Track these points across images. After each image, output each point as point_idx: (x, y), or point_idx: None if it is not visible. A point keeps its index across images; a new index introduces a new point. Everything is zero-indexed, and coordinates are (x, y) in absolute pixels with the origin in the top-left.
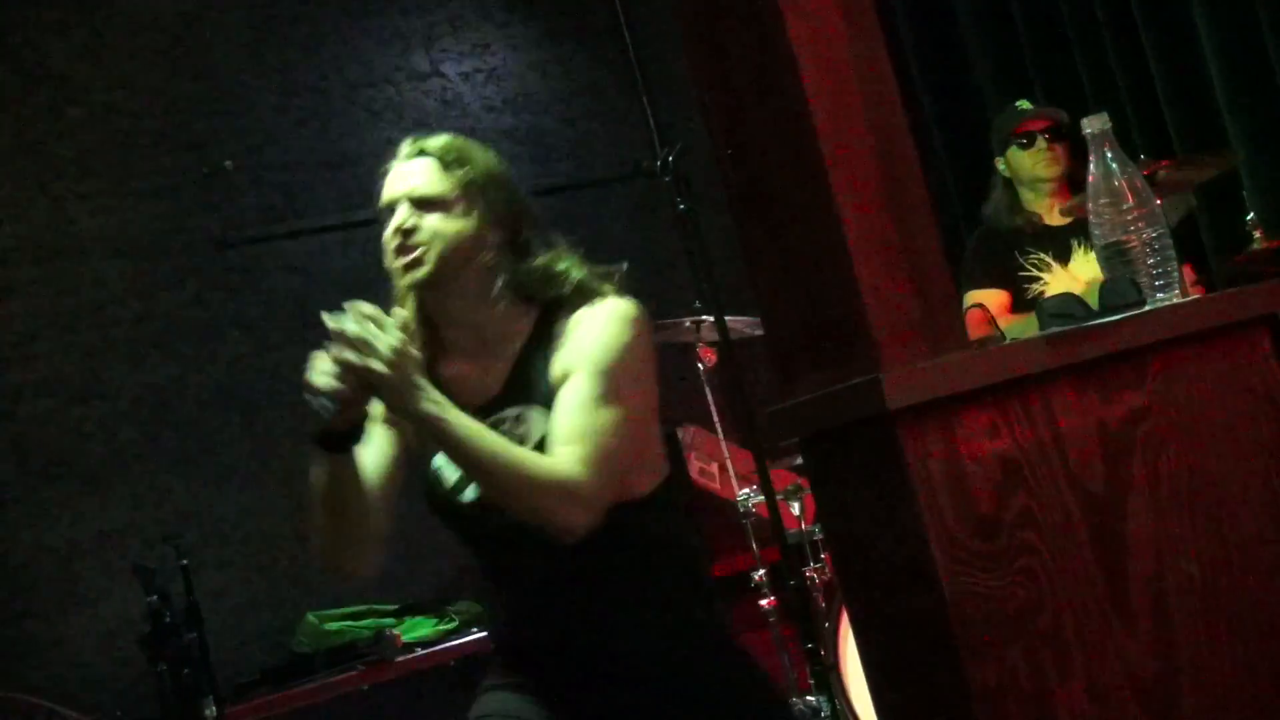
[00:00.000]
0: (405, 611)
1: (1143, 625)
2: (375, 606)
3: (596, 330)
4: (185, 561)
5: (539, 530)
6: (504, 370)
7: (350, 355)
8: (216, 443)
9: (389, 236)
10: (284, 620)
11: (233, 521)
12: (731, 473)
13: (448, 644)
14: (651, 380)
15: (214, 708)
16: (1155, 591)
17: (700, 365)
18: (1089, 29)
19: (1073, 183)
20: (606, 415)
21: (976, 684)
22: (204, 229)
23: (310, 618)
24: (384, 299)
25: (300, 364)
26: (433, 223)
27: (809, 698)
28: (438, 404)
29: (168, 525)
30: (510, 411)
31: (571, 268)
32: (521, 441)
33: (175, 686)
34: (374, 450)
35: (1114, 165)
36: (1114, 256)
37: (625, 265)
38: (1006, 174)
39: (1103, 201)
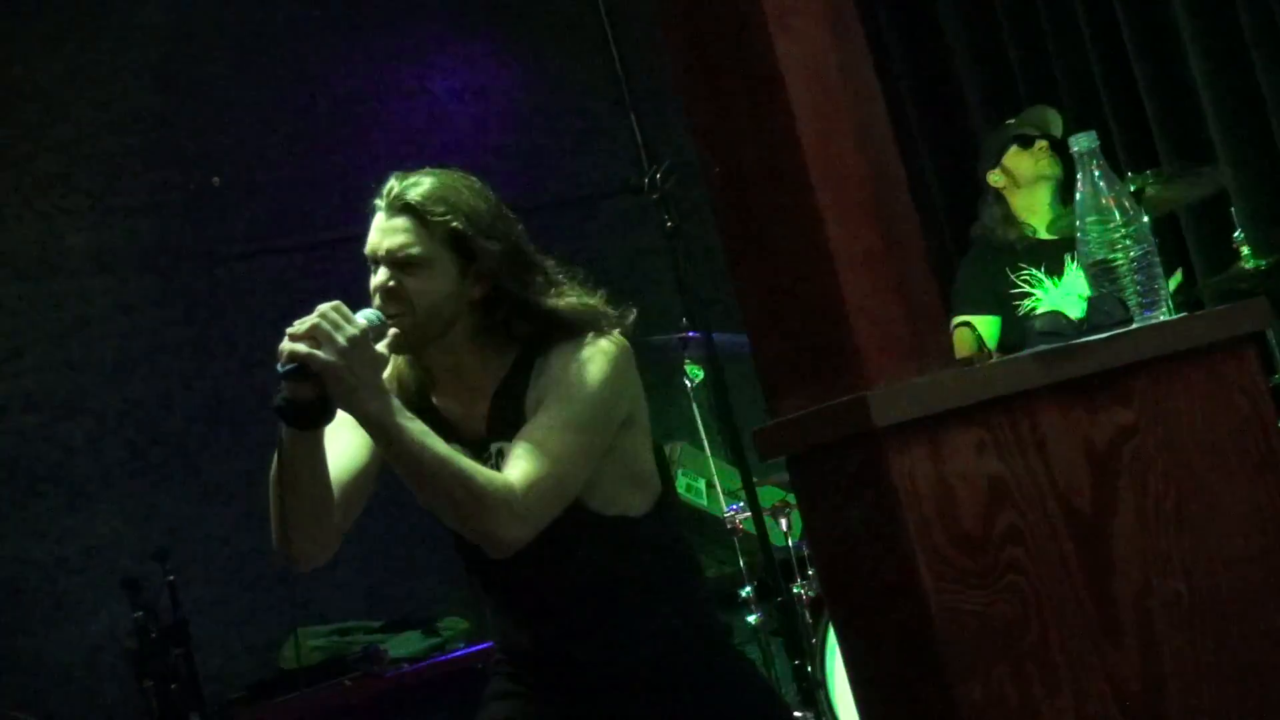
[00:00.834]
0: (392, 627)
1: (1130, 643)
2: (362, 622)
3: (573, 365)
4: (172, 577)
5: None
6: (486, 408)
7: (300, 346)
8: (203, 459)
9: (373, 292)
10: (271, 636)
11: (220, 537)
12: (719, 489)
13: (435, 660)
14: (620, 413)
15: None
16: (1142, 609)
17: (687, 382)
18: (1076, 47)
19: (1066, 195)
20: (563, 440)
21: (963, 701)
22: (191, 245)
23: (298, 633)
24: None
25: None
26: (413, 285)
27: (796, 713)
28: (385, 406)
29: (154, 541)
30: (492, 448)
31: (567, 305)
32: None
33: (162, 702)
34: (346, 449)
35: (1101, 183)
36: (1101, 274)
37: (633, 309)
38: (1001, 184)
39: (1090, 219)
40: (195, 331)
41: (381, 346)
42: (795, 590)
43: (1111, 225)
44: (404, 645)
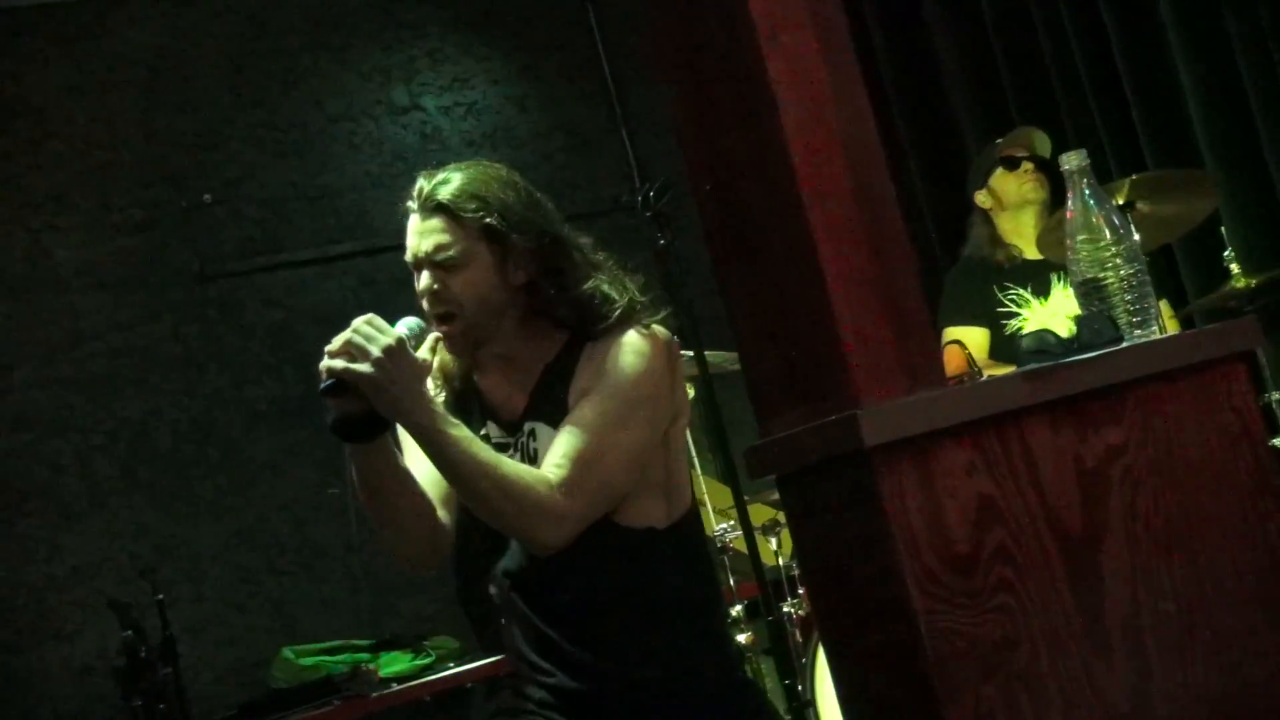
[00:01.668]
0: (382, 646)
1: (1119, 662)
2: (351, 641)
3: (617, 358)
4: (161, 596)
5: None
6: (527, 390)
7: (337, 361)
8: (193, 477)
9: (420, 296)
10: (260, 655)
11: (209, 556)
12: (709, 507)
13: (424, 679)
14: (667, 410)
15: None
16: (1132, 628)
17: None
18: (1068, 63)
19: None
20: (605, 440)
21: None
22: (182, 262)
23: (286, 653)
24: None
25: (279, 397)
26: (458, 284)
27: None
28: (428, 413)
29: (144, 559)
30: (526, 427)
31: (610, 294)
32: (534, 456)
33: None
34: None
35: (1092, 201)
36: (1091, 293)
37: (664, 298)
38: (987, 205)
39: (1080, 238)
40: (185, 349)
41: (423, 352)
42: (786, 609)
43: (1102, 244)
44: (393, 664)
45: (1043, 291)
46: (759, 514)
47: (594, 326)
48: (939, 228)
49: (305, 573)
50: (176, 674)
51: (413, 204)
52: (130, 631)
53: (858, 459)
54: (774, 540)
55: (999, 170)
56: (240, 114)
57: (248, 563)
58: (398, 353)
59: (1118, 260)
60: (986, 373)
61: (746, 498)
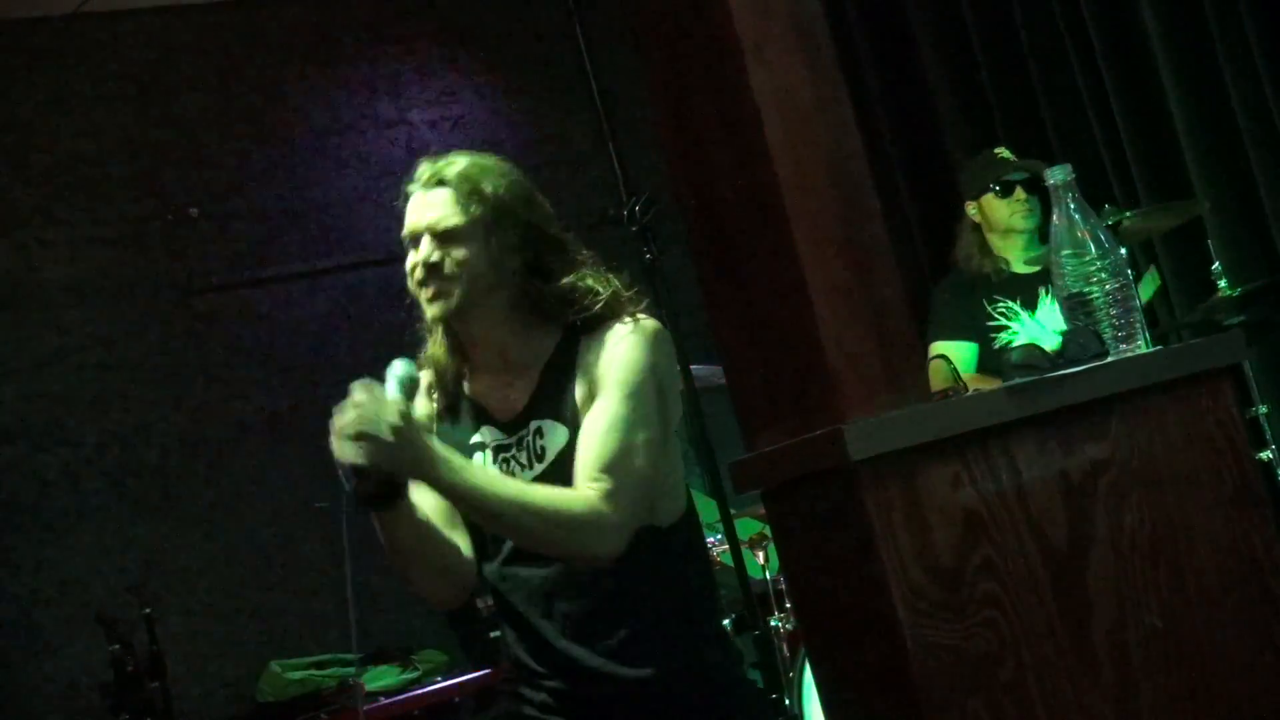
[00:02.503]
0: (369, 660)
1: (1105, 675)
2: (339, 655)
3: (622, 351)
4: (149, 610)
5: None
6: (528, 387)
7: (350, 457)
8: (181, 491)
9: (413, 267)
10: (248, 669)
11: (196, 570)
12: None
13: (411, 693)
14: (676, 401)
15: None
16: (1117, 642)
17: None
18: (1054, 74)
19: (1044, 235)
20: (632, 439)
21: None
22: (169, 276)
23: (274, 667)
24: (350, 348)
25: (266, 411)
26: (456, 255)
27: None
28: (450, 468)
29: (131, 574)
30: (532, 425)
31: (594, 287)
32: (541, 454)
33: None
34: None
35: (1077, 216)
36: (1077, 307)
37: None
38: (977, 218)
39: (1065, 252)
40: (173, 363)
41: (419, 400)
42: (773, 623)
43: (1087, 259)
44: (381, 678)
45: (1031, 304)
46: (746, 528)
47: (581, 316)
48: (925, 242)
49: (293, 586)
50: (164, 688)
51: (415, 185)
52: (118, 646)
53: (843, 474)
54: (761, 554)
55: (991, 193)
56: (227, 128)
57: (235, 577)
58: (406, 429)
59: (1103, 275)
60: (973, 387)
61: (733, 511)
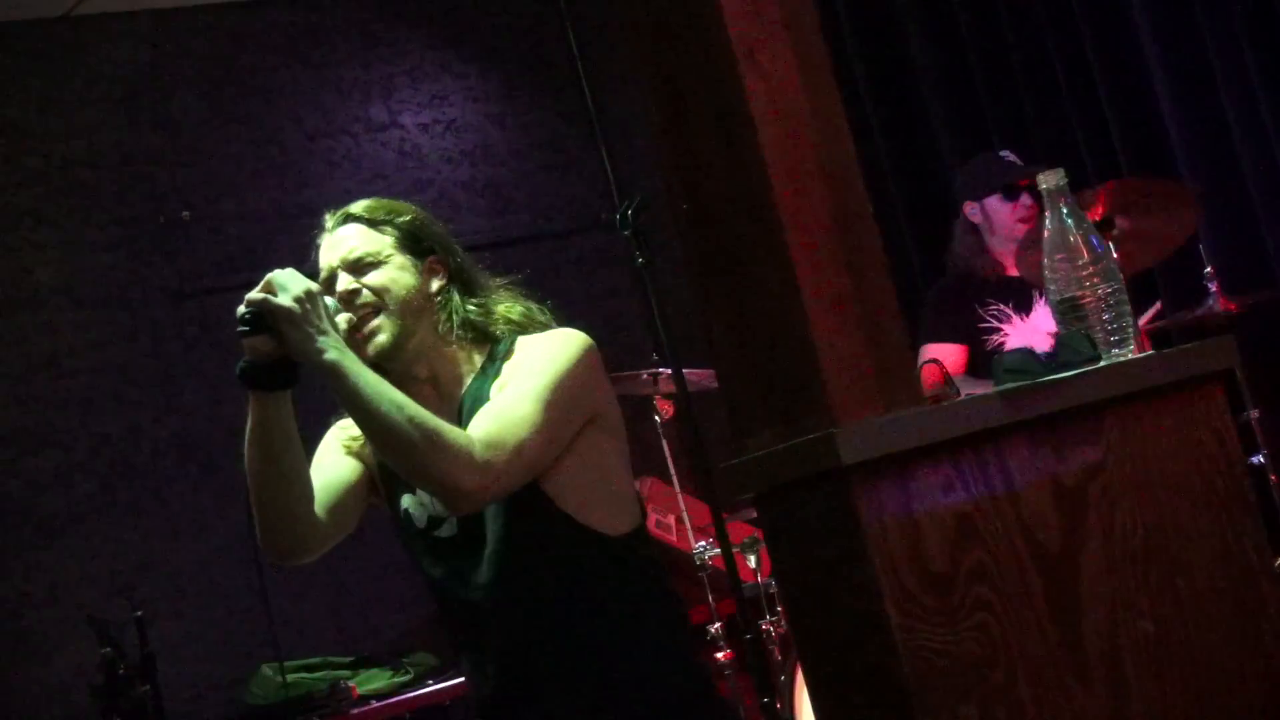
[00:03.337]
0: (360, 664)
1: (1097, 680)
2: (330, 659)
3: (540, 347)
4: (139, 613)
5: (509, 558)
6: (453, 411)
7: (257, 293)
8: (172, 494)
9: (336, 306)
10: (239, 673)
11: (188, 573)
12: (688, 525)
13: (403, 696)
14: (583, 399)
15: None
16: (1110, 647)
17: (657, 418)
18: (1046, 82)
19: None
20: (522, 408)
21: None
22: (161, 279)
23: (265, 670)
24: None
25: None
26: (375, 281)
27: None
28: (340, 351)
29: (122, 577)
30: None
31: (513, 304)
32: None
33: None
34: (333, 466)
35: (1069, 221)
36: (1069, 312)
37: (549, 303)
38: (976, 219)
39: (1058, 257)
40: (164, 366)
41: (340, 320)
42: (764, 627)
43: (1079, 263)
44: (372, 682)
45: (1024, 307)
46: (738, 532)
47: (504, 331)
48: (917, 246)
49: (285, 590)
50: (155, 691)
51: (323, 233)
52: (109, 648)
53: (835, 478)
54: (752, 558)
55: (997, 195)
56: (219, 131)
57: (226, 580)
58: (316, 296)
59: (1095, 279)
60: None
61: (725, 515)
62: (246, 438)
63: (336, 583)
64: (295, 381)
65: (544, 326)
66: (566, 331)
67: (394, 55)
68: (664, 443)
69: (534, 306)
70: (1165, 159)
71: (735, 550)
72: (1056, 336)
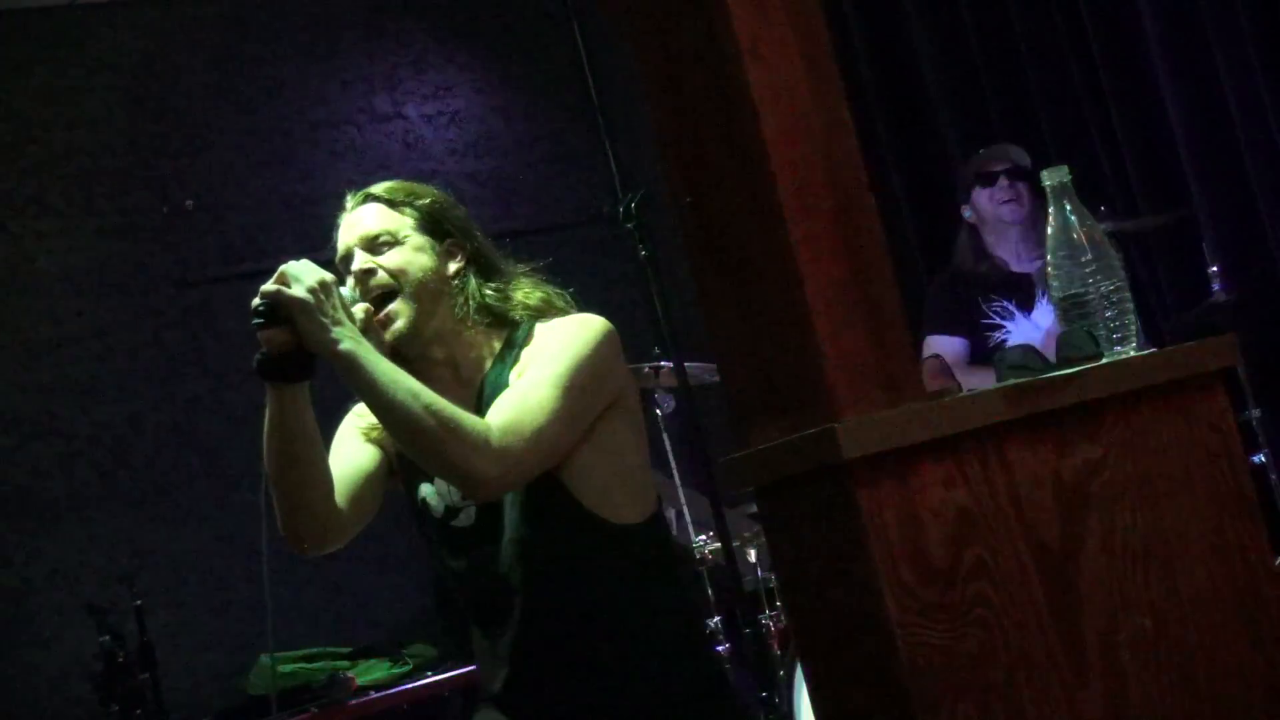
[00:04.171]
0: (359, 654)
1: (1096, 678)
2: (329, 649)
3: (559, 332)
4: (139, 602)
5: (523, 552)
6: (473, 397)
7: (270, 285)
8: (173, 482)
9: (353, 286)
10: (238, 662)
11: (188, 562)
12: (688, 519)
13: (402, 687)
14: (607, 384)
15: None
16: (1109, 644)
17: (658, 411)
18: (1051, 74)
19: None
20: (542, 395)
21: None
22: (164, 268)
23: (264, 659)
24: None
25: (258, 403)
26: (393, 262)
27: None
28: (355, 341)
29: (122, 565)
30: None
31: (533, 290)
32: None
33: None
34: (351, 455)
35: (1072, 218)
36: (1071, 309)
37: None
38: (972, 219)
39: (1061, 254)
40: (166, 354)
41: (357, 310)
42: (764, 622)
43: (1083, 260)
44: (371, 672)
45: (1027, 305)
46: (738, 525)
47: (523, 316)
48: (920, 240)
49: (284, 579)
50: (154, 680)
51: (343, 213)
52: (108, 637)
53: (836, 472)
54: (753, 552)
55: (976, 186)
56: (223, 120)
57: (226, 569)
58: (330, 287)
59: (1098, 276)
60: (967, 382)
61: (725, 509)
62: (265, 430)
63: (336, 573)
64: (313, 373)
65: (563, 312)
66: (585, 316)
67: (399, 46)
68: (664, 436)
69: (554, 292)
70: (1172, 153)
71: (735, 544)
72: (1059, 333)
